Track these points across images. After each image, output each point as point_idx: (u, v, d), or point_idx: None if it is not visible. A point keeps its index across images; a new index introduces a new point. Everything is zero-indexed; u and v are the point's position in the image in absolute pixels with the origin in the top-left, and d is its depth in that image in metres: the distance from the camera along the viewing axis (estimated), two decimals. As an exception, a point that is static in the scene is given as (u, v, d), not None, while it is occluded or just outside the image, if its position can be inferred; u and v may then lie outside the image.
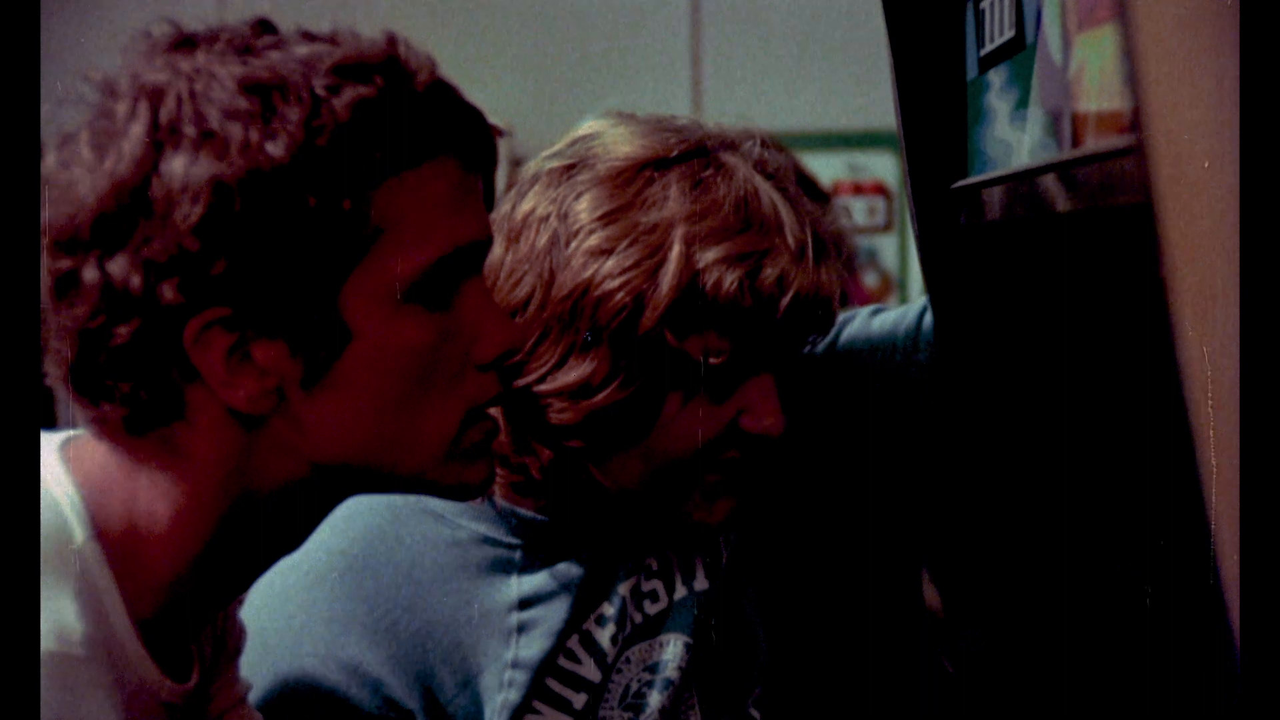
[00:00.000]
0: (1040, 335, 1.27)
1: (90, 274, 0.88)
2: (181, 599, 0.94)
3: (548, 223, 1.18)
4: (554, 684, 1.27)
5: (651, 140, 1.21)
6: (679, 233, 1.16)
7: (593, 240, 1.16)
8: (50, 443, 0.95)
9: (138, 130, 0.88)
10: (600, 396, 1.17)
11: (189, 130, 0.87)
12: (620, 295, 1.15)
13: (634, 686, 1.29)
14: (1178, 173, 0.71)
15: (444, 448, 0.95)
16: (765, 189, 1.20)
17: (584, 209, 1.18)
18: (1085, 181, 0.96)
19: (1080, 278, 1.23)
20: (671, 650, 1.31)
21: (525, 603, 1.26)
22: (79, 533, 0.91)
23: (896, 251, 3.78)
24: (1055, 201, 1.02)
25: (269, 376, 0.90)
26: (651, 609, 1.31)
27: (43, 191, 0.90)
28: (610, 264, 1.16)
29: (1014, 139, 1.14)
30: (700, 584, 1.33)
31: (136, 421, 0.91)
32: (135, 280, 0.87)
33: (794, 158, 1.26)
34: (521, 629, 1.26)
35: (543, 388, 1.18)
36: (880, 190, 3.62)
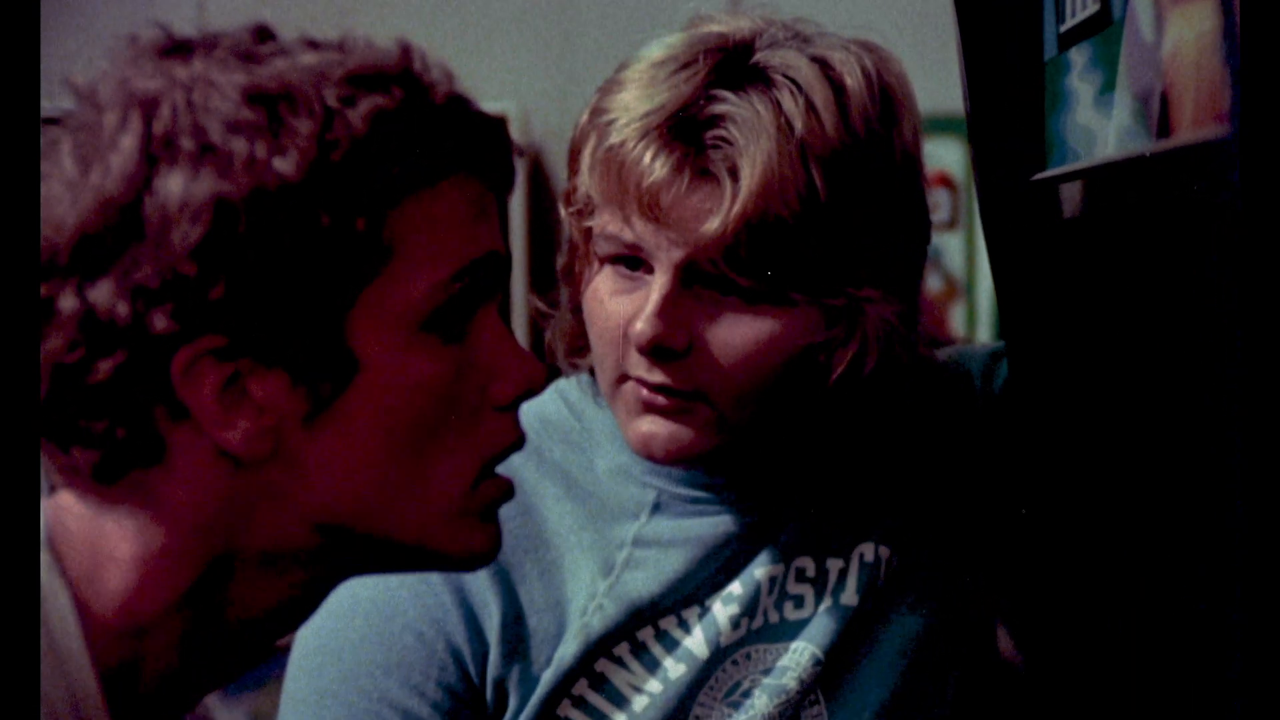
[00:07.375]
0: (1126, 348, 1.24)
1: (68, 302, 0.84)
2: (152, 663, 0.89)
3: None
4: (649, 639, 1.28)
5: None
6: None
7: None
8: None
9: (129, 143, 0.84)
10: None
11: (187, 144, 0.83)
12: None
13: (744, 684, 1.30)
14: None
15: (456, 502, 0.91)
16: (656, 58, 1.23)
17: None
18: (1178, 174, 0.95)
19: (1172, 283, 1.19)
20: (793, 658, 1.30)
21: (641, 542, 1.29)
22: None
23: (963, 252, 3.66)
24: (1144, 197, 1.02)
25: (267, 414, 0.86)
26: (793, 614, 1.31)
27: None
28: None
29: (1098, 126, 1.12)
30: (848, 599, 1.32)
31: (109, 467, 0.87)
32: (122, 309, 0.83)
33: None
34: (628, 564, 1.29)
35: None
36: (946, 182, 3.53)
